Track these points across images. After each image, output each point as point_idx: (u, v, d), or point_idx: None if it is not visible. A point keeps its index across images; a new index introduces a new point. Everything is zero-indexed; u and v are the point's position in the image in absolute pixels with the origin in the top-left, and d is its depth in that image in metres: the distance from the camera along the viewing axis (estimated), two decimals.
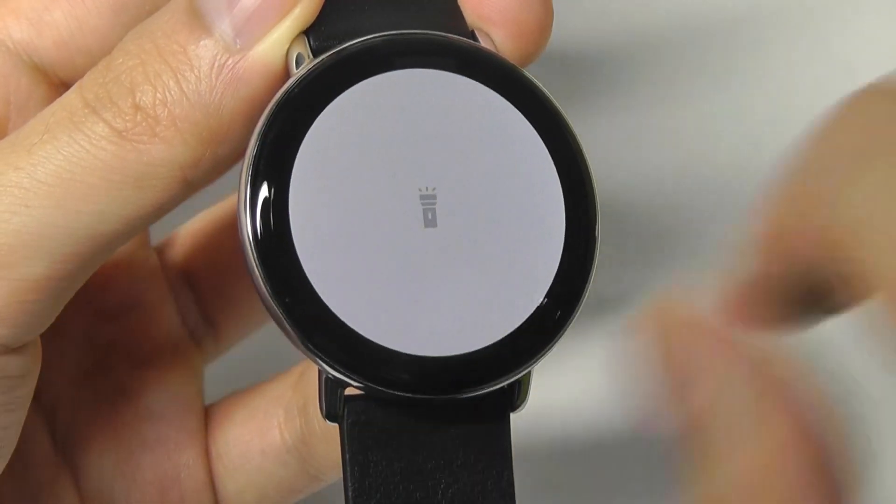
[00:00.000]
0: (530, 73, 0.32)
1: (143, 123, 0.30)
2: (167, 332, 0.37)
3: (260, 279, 0.29)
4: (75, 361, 0.37)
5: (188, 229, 0.39)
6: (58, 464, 0.36)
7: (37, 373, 0.33)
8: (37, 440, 0.36)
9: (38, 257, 0.30)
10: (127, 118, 0.30)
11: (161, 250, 0.39)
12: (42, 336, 0.33)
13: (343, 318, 0.29)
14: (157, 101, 0.30)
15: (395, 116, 0.30)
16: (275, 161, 0.30)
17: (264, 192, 0.29)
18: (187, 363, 0.37)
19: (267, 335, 0.30)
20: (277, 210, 0.29)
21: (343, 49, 0.31)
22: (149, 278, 0.38)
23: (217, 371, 0.39)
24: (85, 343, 0.37)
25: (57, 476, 0.36)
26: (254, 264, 0.29)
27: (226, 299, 0.38)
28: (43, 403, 0.36)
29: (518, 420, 0.31)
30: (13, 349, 0.31)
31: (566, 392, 0.44)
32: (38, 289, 0.31)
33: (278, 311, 0.29)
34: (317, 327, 0.29)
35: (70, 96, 0.31)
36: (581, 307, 0.31)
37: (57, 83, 0.34)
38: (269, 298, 0.29)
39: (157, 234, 0.39)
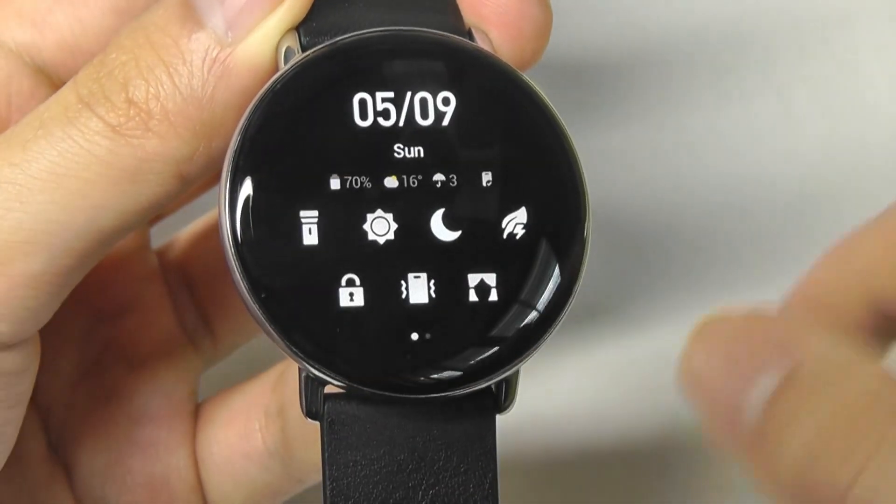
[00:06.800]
0: (535, 80, 0.32)
1: (137, 118, 0.30)
2: (164, 334, 0.37)
3: (238, 276, 0.29)
4: (72, 362, 0.37)
5: (189, 233, 0.39)
6: (53, 464, 0.36)
7: (35, 370, 0.32)
8: (32, 440, 0.36)
9: (35, 253, 0.30)
10: (120, 113, 0.30)
11: (162, 253, 0.39)
12: (40, 335, 0.32)
13: (322, 316, 0.29)
14: (150, 96, 0.30)
15: (380, 115, 0.30)
16: (255, 157, 0.29)
17: (244, 188, 0.29)
18: (183, 365, 0.37)
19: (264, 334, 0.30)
20: (256, 206, 0.29)
21: (328, 45, 0.30)
22: (148, 280, 0.37)
23: (214, 368, 0.39)
24: (82, 343, 0.37)
25: (52, 477, 0.36)
26: (232, 261, 0.29)
27: (224, 303, 0.38)
28: (38, 403, 0.36)
29: (508, 426, 0.31)
30: (11, 345, 0.31)
31: (556, 399, 0.43)
32: (35, 284, 0.30)
33: (256, 309, 0.29)
34: (295, 325, 0.29)
35: (64, 92, 0.31)
36: (567, 311, 0.30)
37: (59, 85, 0.34)
38: (248, 295, 0.29)
39: (159, 237, 0.39)
